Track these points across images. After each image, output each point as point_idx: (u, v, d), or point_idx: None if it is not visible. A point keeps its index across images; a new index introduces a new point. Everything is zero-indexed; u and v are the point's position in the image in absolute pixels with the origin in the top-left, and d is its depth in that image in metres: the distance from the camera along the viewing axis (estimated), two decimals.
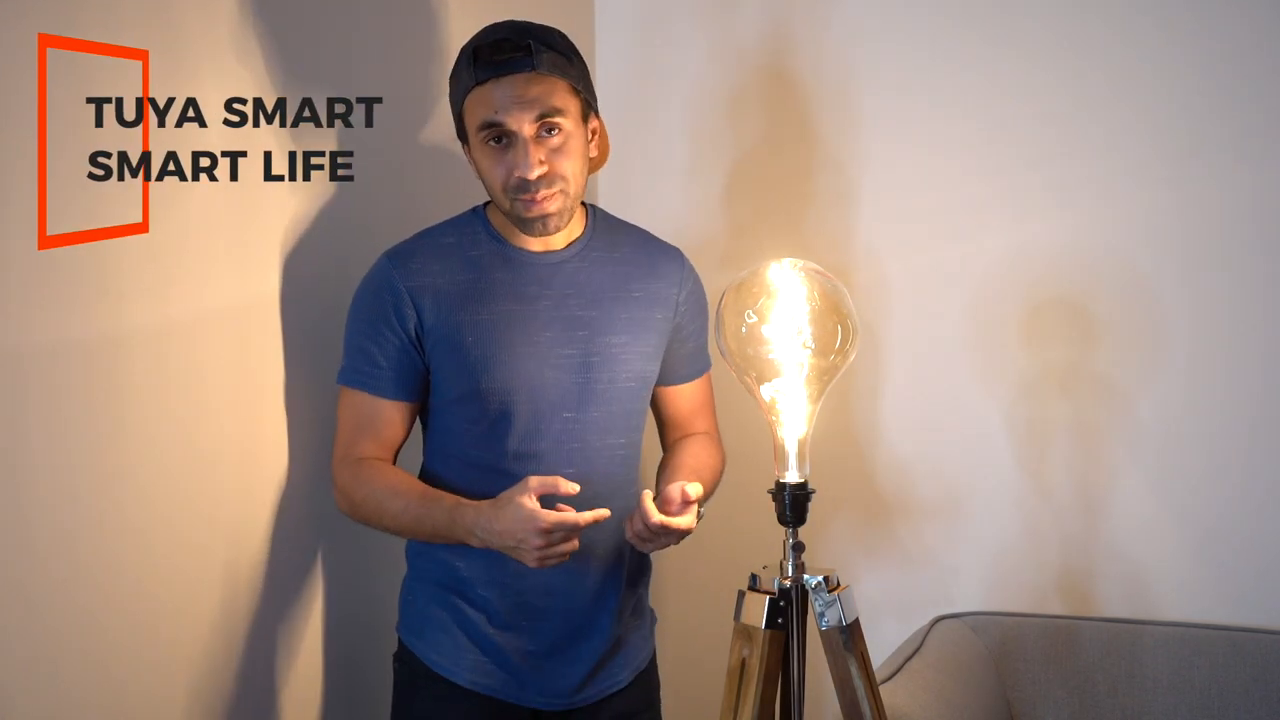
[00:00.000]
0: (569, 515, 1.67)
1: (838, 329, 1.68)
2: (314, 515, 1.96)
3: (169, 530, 1.70)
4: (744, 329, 1.68)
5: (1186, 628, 2.36)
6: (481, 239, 1.86)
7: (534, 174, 1.74)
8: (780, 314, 1.68)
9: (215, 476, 1.78)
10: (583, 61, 1.83)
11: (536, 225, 1.80)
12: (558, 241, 1.87)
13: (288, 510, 1.91)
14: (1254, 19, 2.34)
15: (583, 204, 1.92)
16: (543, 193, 1.76)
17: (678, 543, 1.80)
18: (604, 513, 1.70)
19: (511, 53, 1.73)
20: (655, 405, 2.01)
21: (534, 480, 1.69)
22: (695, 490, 1.75)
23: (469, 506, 1.75)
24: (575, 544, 1.70)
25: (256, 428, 1.86)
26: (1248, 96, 2.35)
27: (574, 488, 1.69)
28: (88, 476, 1.58)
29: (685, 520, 1.75)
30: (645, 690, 1.98)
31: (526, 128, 1.74)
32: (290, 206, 1.90)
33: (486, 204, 1.90)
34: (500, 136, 1.76)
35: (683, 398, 2.01)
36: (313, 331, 1.94)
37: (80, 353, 1.56)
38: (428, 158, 2.18)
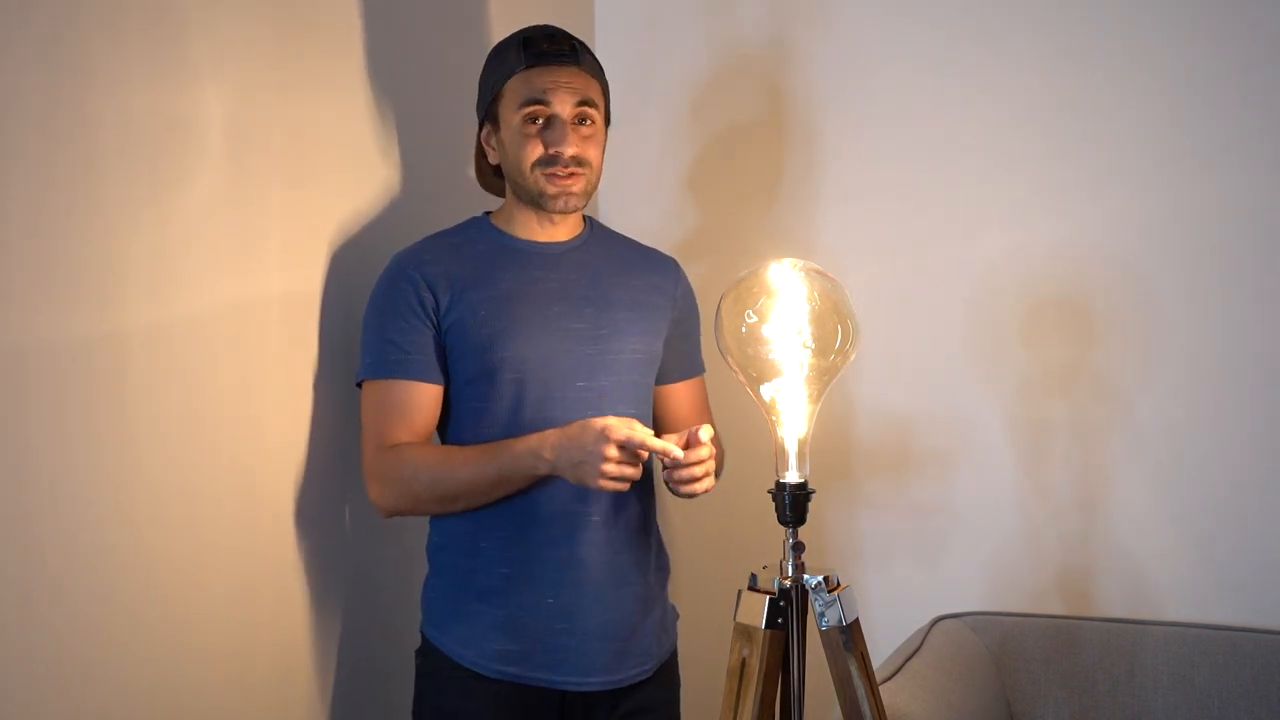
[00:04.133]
0: (640, 433, 1.73)
1: (838, 329, 1.68)
2: (318, 514, 1.96)
3: (172, 530, 1.70)
4: (744, 329, 1.68)
5: (1186, 628, 2.35)
6: (485, 237, 1.95)
7: (570, 151, 1.86)
8: (780, 314, 1.67)
9: (219, 475, 1.78)
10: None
11: (558, 201, 1.89)
12: (560, 234, 1.95)
13: (293, 509, 1.91)
14: (1252, 20, 2.34)
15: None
16: (571, 169, 1.87)
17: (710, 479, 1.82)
18: (676, 450, 1.75)
19: (561, 45, 1.89)
20: (654, 406, 2.03)
21: (611, 418, 1.74)
22: (705, 433, 1.78)
23: (534, 434, 1.80)
24: (639, 471, 1.75)
25: (262, 425, 1.86)
26: (1246, 97, 2.35)
27: (651, 435, 1.74)
28: (91, 475, 1.58)
29: (702, 453, 1.78)
30: (667, 683, 2.00)
31: (567, 111, 1.87)
32: (295, 206, 1.90)
33: (487, 213, 1.99)
34: (539, 117, 1.87)
35: (677, 398, 2.06)
36: (318, 329, 1.94)
37: (82, 351, 1.56)
38: (431, 160, 2.19)
